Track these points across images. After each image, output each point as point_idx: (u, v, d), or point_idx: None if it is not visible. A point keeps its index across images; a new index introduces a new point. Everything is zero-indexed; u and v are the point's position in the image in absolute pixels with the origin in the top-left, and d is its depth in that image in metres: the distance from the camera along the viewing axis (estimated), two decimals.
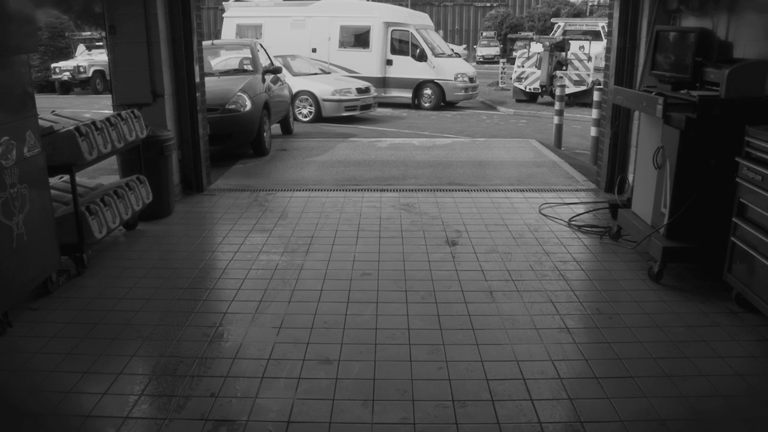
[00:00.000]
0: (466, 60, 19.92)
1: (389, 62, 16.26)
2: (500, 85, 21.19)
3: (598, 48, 16.98)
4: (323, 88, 13.47)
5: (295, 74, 13.55)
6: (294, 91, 12.91)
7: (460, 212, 5.79)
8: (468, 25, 45.76)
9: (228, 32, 17.52)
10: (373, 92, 14.36)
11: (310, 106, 13.35)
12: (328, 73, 15.03)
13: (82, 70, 20.98)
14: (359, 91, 13.82)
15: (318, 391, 2.94)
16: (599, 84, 9.50)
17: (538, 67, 16.59)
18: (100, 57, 20.67)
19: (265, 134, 8.77)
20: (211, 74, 8.78)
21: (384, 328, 3.54)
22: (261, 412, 2.79)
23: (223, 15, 18.48)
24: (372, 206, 5.99)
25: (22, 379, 3.07)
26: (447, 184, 7.00)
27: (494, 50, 37.95)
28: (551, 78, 16.13)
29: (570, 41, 17.10)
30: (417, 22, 17.13)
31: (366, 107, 14.03)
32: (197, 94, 6.31)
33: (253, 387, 2.98)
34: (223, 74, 9.43)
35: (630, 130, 6.16)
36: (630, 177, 5.88)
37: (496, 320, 3.65)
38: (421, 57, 15.97)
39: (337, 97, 13.40)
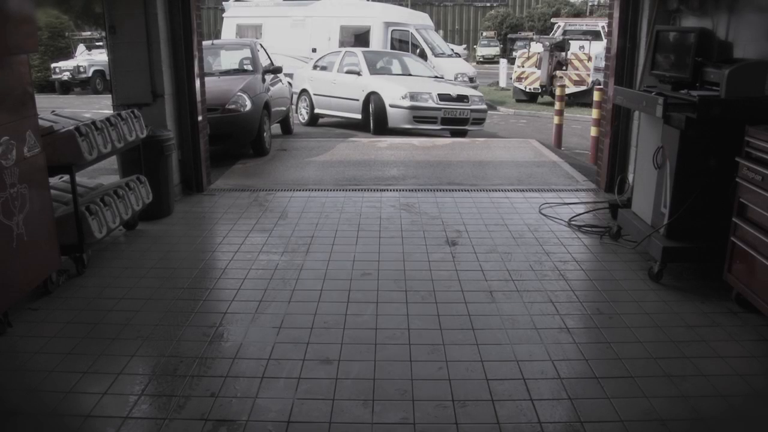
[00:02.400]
0: (466, 60, 19.92)
1: None
2: (500, 85, 21.20)
3: (598, 48, 17.00)
4: (393, 90, 10.53)
5: (374, 73, 11.49)
6: (365, 92, 11.12)
7: (460, 212, 5.79)
8: (468, 25, 45.77)
9: (228, 32, 17.55)
10: (476, 103, 10.78)
11: (369, 112, 10.96)
12: (438, 76, 12.16)
13: (82, 70, 21.00)
14: (444, 98, 10.49)
15: (318, 391, 2.94)
16: (599, 84, 9.51)
17: (538, 67, 16.60)
18: (100, 57, 20.68)
19: (265, 134, 8.77)
20: (211, 74, 8.78)
21: (384, 328, 3.54)
22: (261, 412, 2.79)
23: (223, 15, 18.52)
24: (372, 206, 5.99)
25: (22, 379, 3.06)
26: (447, 184, 7.00)
27: (494, 50, 37.97)
28: (551, 78, 16.13)
29: (570, 41, 17.12)
30: (417, 22, 17.15)
31: (456, 122, 10.34)
32: (197, 94, 6.32)
33: (253, 387, 2.98)
34: (223, 74, 9.43)
35: (630, 130, 6.16)
36: (630, 177, 5.88)
37: (496, 320, 3.65)
38: (421, 57, 15.98)
39: (406, 103, 10.25)
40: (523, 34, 29.79)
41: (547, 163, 8.23)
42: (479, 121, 10.99)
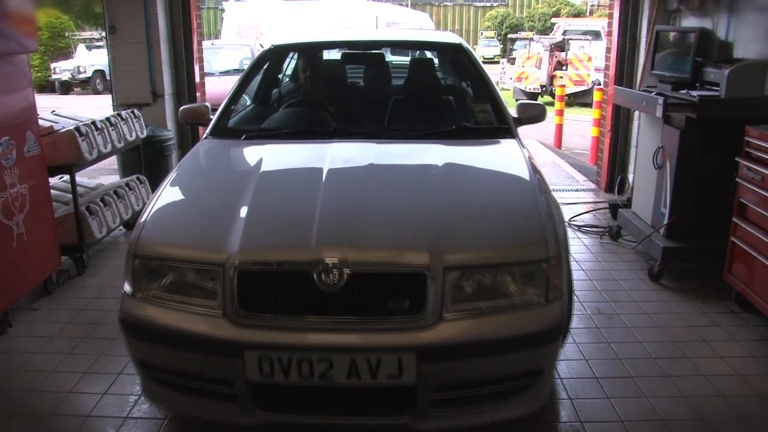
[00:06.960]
0: None
1: None
2: (500, 85, 21.19)
3: (598, 48, 17.00)
4: None
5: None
6: None
7: None
8: (468, 25, 45.74)
9: (228, 32, 17.53)
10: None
11: None
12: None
13: (82, 70, 20.98)
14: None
15: None
16: (599, 84, 9.50)
17: (538, 67, 16.59)
18: (100, 57, 20.66)
19: None
20: (211, 74, 8.78)
21: None
22: None
23: (223, 15, 18.51)
24: None
25: (22, 379, 3.06)
26: None
27: (494, 50, 37.97)
28: (551, 78, 16.13)
29: (570, 41, 17.11)
30: (417, 22, 17.14)
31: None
32: (197, 94, 6.32)
33: None
34: (223, 74, 9.44)
35: (630, 130, 6.16)
36: (630, 177, 5.88)
37: None
38: None
39: None
40: (523, 34, 29.74)
41: (547, 163, 8.22)
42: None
